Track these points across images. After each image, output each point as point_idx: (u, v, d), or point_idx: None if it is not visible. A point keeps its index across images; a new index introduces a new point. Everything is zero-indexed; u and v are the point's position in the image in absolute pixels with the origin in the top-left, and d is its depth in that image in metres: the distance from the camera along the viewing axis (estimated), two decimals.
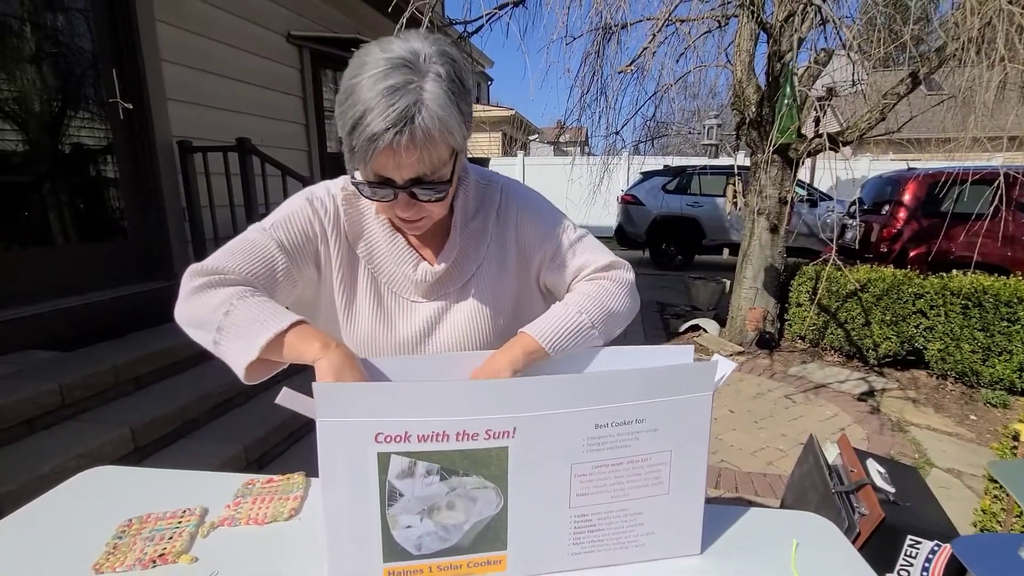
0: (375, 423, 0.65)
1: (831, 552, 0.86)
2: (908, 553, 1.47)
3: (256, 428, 2.28)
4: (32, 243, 2.49)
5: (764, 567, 0.78)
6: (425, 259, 0.87)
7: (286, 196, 3.02)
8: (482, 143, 15.51)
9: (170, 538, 0.86)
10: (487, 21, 3.27)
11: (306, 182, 3.08)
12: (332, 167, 4.60)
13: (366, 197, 0.74)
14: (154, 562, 0.80)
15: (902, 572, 1.49)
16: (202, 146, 2.99)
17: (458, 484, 0.69)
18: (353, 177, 0.74)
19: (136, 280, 2.88)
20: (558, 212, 0.92)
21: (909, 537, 1.47)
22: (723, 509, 0.94)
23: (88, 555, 0.80)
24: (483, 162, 9.14)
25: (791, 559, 0.83)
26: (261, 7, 3.68)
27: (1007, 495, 1.45)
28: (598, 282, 0.87)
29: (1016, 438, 1.55)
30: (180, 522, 0.90)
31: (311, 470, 0.92)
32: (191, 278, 0.78)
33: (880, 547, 1.48)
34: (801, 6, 2.54)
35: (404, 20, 2.54)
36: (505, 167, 12.64)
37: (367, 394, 0.66)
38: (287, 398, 0.71)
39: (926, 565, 1.46)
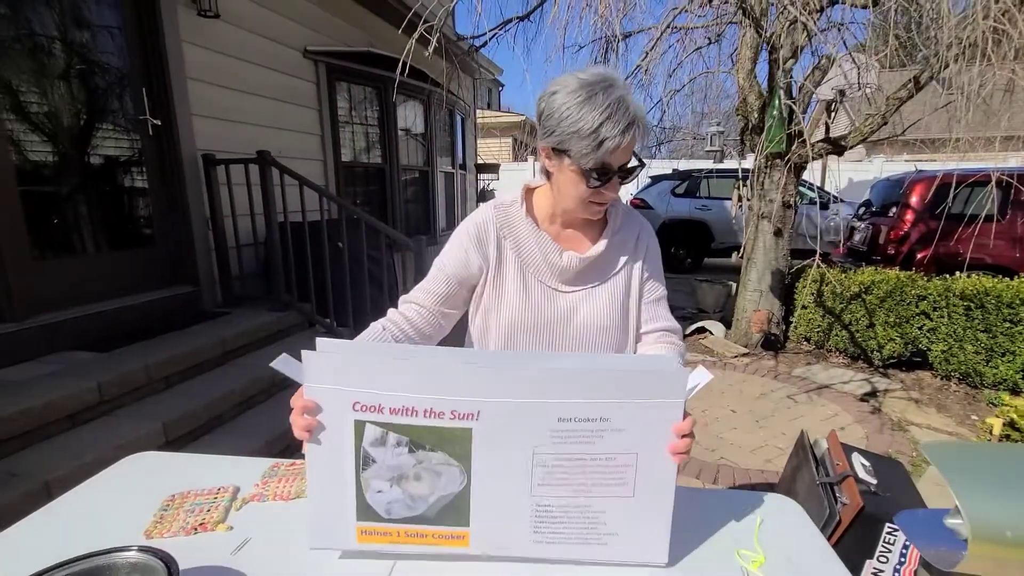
0: (353, 392, 0.73)
1: (791, 526, 0.96)
2: (887, 540, 1.55)
3: (276, 424, 2.43)
4: (70, 251, 2.67)
5: (730, 539, 0.87)
6: (571, 251, 1.06)
7: (303, 204, 3.20)
8: (493, 148, 15.67)
9: (208, 510, 0.99)
10: (490, 37, 3.41)
11: (321, 192, 3.24)
12: (347, 176, 4.76)
13: (591, 186, 0.96)
14: (195, 530, 0.93)
15: (881, 558, 1.57)
16: (225, 159, 3.17)
17: (424, 458, 0.74)
18: (581, 169, 0.95)
19: (164, 286, 3.06)
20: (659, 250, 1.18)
21: (887, 525, 1.55)
22: (696, 491, 1.04)
23: (139, 524, 0.94)
24: (494, 168, 9.27)
25: (754, 533, 0.93)
26: (279, 25, 3.87)
27: None
28: (680, 346, 1.14)
29: (991, 432, 1.62)
30: (216, 497, 1.03)
31: None
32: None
33: (861, 534, 1.56)
34: (789, 22, 2.64)
35: (414, 38, 2.69)
36: (516, 172, 12.76)
37: (347, 365, 0.73)
38: (282, 363, 0.77)
39: (903, 551, 1.55)
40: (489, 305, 1.08)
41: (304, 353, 0.73)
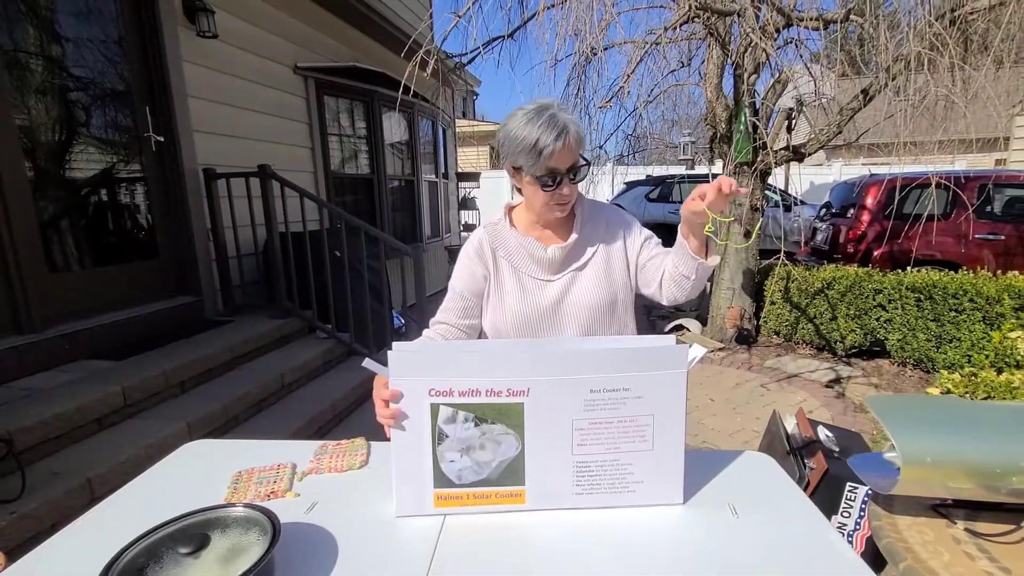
0: (429, 381, 0.90)
1: (768, 476, 1.16)
2: (848, 498, 1.80)
3: (288, 424, 2.57)
4: (81, 264, 2.76)
5: (719, 486, 1.05)
6: (552, 243, 1.25)
7: (303, 215, 3.34)
8: (471, 157, 15.88)
9: (275, 482, 1.14)
10: (476, 55, 3.62)
11: (321, 203, 3.38)
12: (336, 186, 4.90)
13: (544, 189, 1.15)
14: (268, 497, 1.09)
15: (844, 514, 1.81)
16: (224, 172, 3.28)
17: (487, 430, 0.91)
18: (533, 178, 1.15)
19: (168, 296, 3.15)
20: (634, 220, 1.34)
21: (848, 484, 1.79)
22: (692, 451, 1.23)
23: (214, 496, 1.07)
24: (474, 176, 9.49)
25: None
26: (271, 43, 4.00)
27: None
28: None
29: None
30: (278, 472, 1.19)
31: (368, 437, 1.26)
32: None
33: (827, 493, 1.80)
34: (749, 44, 2.93)
35: (417, 60, 2.89)
36: (494, 180, 12.98)
37: (424, 360, 0.91)
38: (370, 364, 0.97)
39: (863, 506, 1.79)
40: (496, 305, 1.27)
41: (389, 353, 0.91)
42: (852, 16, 3.01)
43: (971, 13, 3.12)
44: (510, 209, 1.32)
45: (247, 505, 0.93)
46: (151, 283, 3.07)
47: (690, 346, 0.97)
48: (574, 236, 1.25)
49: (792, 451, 1.95)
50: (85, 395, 2.07)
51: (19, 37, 2.49)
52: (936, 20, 2.82)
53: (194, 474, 1.20)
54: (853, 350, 4.43)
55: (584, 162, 1.18)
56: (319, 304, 3.41)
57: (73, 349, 2.47)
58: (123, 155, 2.99)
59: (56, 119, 2.66)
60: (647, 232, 1.32)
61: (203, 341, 2.84)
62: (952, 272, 4.04)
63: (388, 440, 0.97)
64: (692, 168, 6.92)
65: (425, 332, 1.29)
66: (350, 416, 2.97)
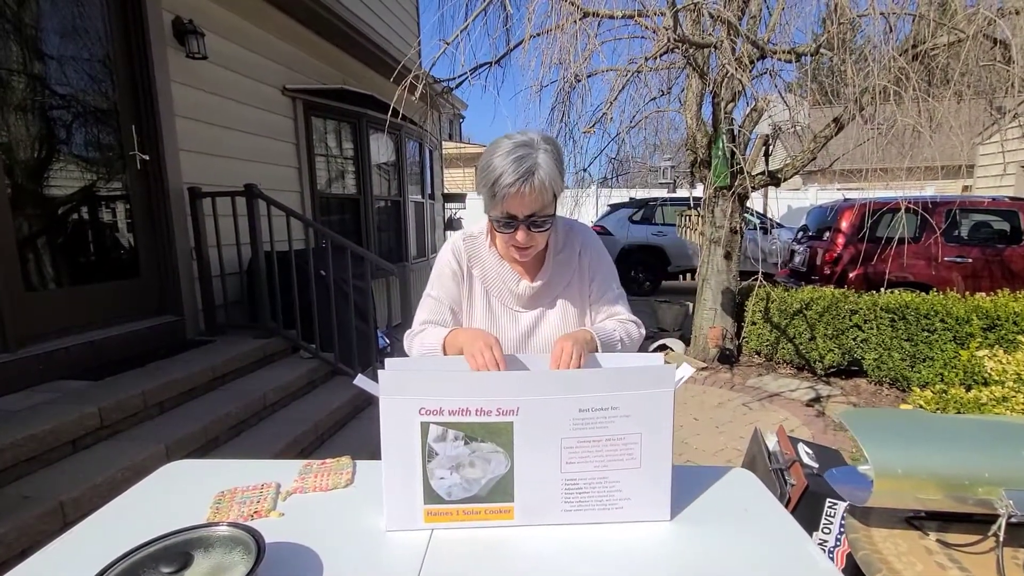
0: (420, 400, 0.91)
1: (749, 491, 1.18)
2: (828, 513, 1.82)
3: (271, 445, 2.52)
4: (59, 283, 2.72)
5: (703, 501, 1.07)
6: (524, 279, 1.21)
7: (289, 235, 3.34)
8: (457, 178, 16.02)
9: (258, 501, 1.13)
10: (463, 80, 3.71)
11: (308, 223, 3.39)
12: (323, 206, 4.91)
13: (498, 231, 1.09)
14: (251, 517, 1.07)
15: (825, 529, 1.83)
16: (210, 191, 3.28)
17: (477, 448, 0.92)
18: (490, 218, 1.10)
19: (148, 315, 3.10)
20: (612, 266, 1.28)
21: (828, 500, 1.82)
22: (677, 467, 1.26)
23: (197, 517, 1.05)
24: (460, 197, 9.57)
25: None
26: (260, 65, 4.05)
27: None
28: (629, 324, 1.25)
29: None
30: (262, 491, 1.17)
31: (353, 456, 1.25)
32: (408, 337, 1.24)
33: (808, 510, 1.82)
34: (726, 75, 3.07)
35: (406, 85, 2.95)
36: (480, 201, 13.07)
37: (415, 379, 0.92)
38: (361, 381, 0.97)
39: (843, 522, 1.81)
40: (463, 324, 1.22)
41: (380, 372, 0.92)
42: (822, 50, 3.18)
43: (932, 49, 3.31)
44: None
45: (230, 524, 0.92)
46: (132, 302, 3.03)
47: (678, 366, 0.99)
48: (546, 272, 1.20)
49: (773, 468, 1.98)
50: (60, 416, 2.02)
51: (4, 55, 2.48)
52: (900, 55, 2.98)
53: (175, 495, 1.18)
54: (832, 369, 4.52)
55: (549, 213, 1.08)
56: (304, 324, 3.39)
57: (49, 369, 2.42)
58: (107, 173, 2.97)
59: (38, 136, 2.65)
60: (611, 282, 1.25)
61: (184, 361, 2.80)
62: (924, 293, 4.18)
63: (372, 460, 0.97)
64: (673, 191, 7.11)
65: (414, 345, 1.21)
66: (334, 437, 2.93)
